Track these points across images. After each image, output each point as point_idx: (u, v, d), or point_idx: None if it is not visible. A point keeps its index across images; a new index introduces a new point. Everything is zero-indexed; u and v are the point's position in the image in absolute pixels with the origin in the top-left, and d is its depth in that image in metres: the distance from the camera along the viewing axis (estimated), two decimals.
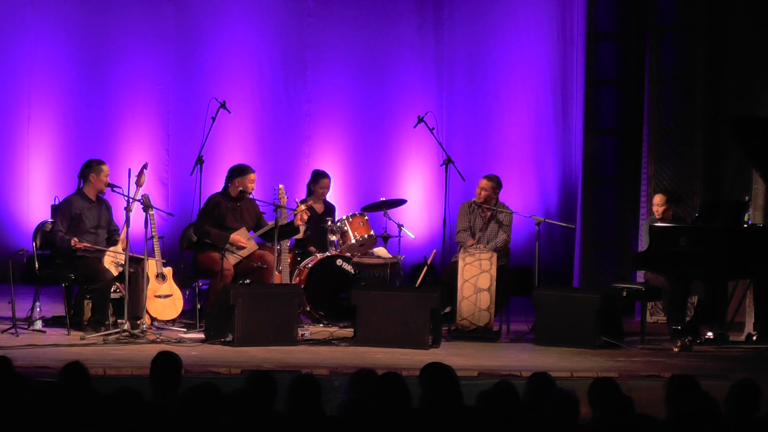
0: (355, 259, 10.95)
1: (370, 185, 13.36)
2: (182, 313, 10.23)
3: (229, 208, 10.59)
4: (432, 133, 11.16)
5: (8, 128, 13.04)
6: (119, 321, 9.79)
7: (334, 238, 11.08)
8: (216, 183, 11.12)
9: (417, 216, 13.31)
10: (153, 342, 9.42)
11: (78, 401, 5.21)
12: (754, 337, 10.34)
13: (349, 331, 10.01)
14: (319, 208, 11.46)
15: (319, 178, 11.54)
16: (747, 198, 10.54)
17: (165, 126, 13.28)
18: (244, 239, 10.49)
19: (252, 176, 10.62)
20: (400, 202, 11.88)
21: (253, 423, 5.28)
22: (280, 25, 13.49)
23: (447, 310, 10.35)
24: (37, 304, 9.87)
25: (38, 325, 9.79)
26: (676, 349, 9.74)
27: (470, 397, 5.65)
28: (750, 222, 10.32)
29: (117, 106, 13.18)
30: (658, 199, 10.71)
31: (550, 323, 9.99)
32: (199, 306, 10.32)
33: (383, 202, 11.67)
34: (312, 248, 11.12)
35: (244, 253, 10.48)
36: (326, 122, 13.57)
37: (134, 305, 9.76)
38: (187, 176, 11.08)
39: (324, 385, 5.55)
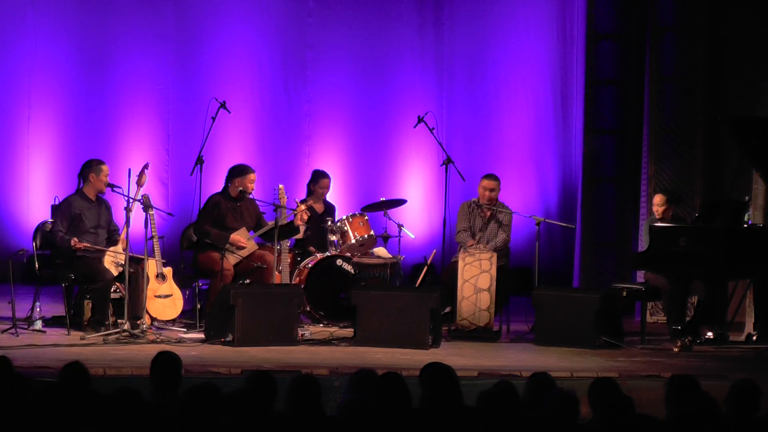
0: (355, 259, 10.95)
1: (370, 185, 13.36)
2: (182, 313, 10.23)
3: (229, 208, 10.59)
4: (432, 133, 11.16)
5: (8, 128, 13.05)
6: (119, 321, 9.79)
7: (334, 238, 11.08)
8: (216, 183, 11.12)
9: (417, 216, 13.31)
10: (153, 342, 9.42)
11: (78, 401, 5.21)
12: (754, 337, 10.34)
13: (349, 331, 10.00)
14: (319, 208, 11.46)
15: (319, 178, 11.54)
16: (747, 198, 10.54)
17: (165, 126, 13.28)
18: (244, 239, 10.50)
19: (252, 176, 10.62)
20: (400, 202, 11.88)
21: (253, 423, 5.28)
22: (280, 25, 13.49)
23: (447, 310, 10.35)
24: (37, 304, 9.87)
25: (38, 325, 9.79)
26: (676, 349, 9.74)
27: (470, 397, 5.65)
28: (750, 222, 10.32)
29: (117, 106, 13.19)
30: (658, 199, 10.71)
31: (550, 323, 9.99)
32: (199, 306, 10.32)
33: (383, 202, 11.67)
34: (312, 248, 11.13)
35: (244, 253, 10.48)
36: (326, 122, 13.57)
37: (134, 305, 9.76)
38: (187, 176, 11.08)
39: (324, 385, 5.55)
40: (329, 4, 13.53)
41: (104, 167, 10.09)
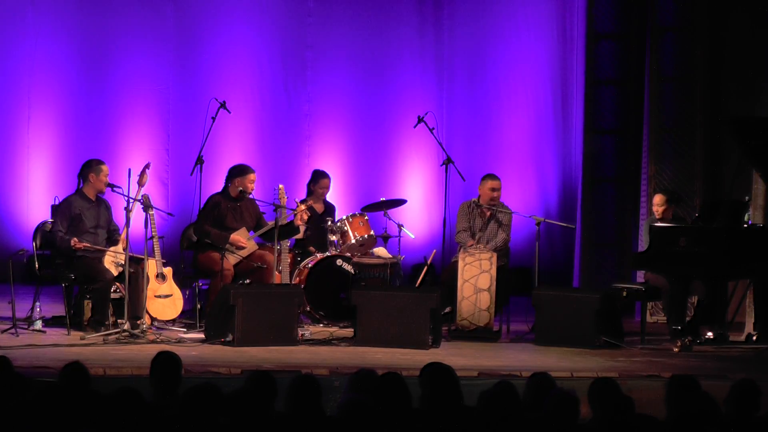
0: (355, 259, 10.95)
1: (370, 185, 13.36)
2: (182, 313, 10.23)
3: (229, 208, 10.59)
4: (432, 133, 11.16)
5: (8, 128, 13.05)
6: (119, 321, 9.79)
7: (334, 238, 11.08)
8: (216, 183, 11.12)
9: (417, 216, 13.31)
10: (153, 342, 9.41)
11: (78, 401, 5.21)
12: (754, 337, 10.34)
13: (349, 331, 10.00)
14: (319, 208, 11.46)
15: (319, 178, 11.54)
16: (747, 198, 10.53)
17: (165, 126, 13.28)
18: (244, 239, 10.49)
19: (252, 176, 10.62)
20: (400, 202, 11.88)
21: (253, 423, 5.28)
22: (280, 25, 13.49)
23: (447, 310, 10.35)
24: (37, 304, 9.87)
25: (38, 325, 9.79)
26: (676, 349, 9.74)
27: (470, 397, 5.65)
28: (750, 222, 10.32)
29: (117, 106, 13.19)
30: (658, 199, 10.71)
31: (550, 323, 9.99)
32: (199, 306, 10.32)
33: (383, 202, 11.67)
34: (312, 248, 11.12)
35: (244, 253, 10.48)
36: (326, 122, 13.57)
37: (134, 305, 9.76)
38: (187, 176, 11.08)
39: (324, 385, 5.55)
40: (329, 4, 13.53)
41: (104, 167, 10.09)
